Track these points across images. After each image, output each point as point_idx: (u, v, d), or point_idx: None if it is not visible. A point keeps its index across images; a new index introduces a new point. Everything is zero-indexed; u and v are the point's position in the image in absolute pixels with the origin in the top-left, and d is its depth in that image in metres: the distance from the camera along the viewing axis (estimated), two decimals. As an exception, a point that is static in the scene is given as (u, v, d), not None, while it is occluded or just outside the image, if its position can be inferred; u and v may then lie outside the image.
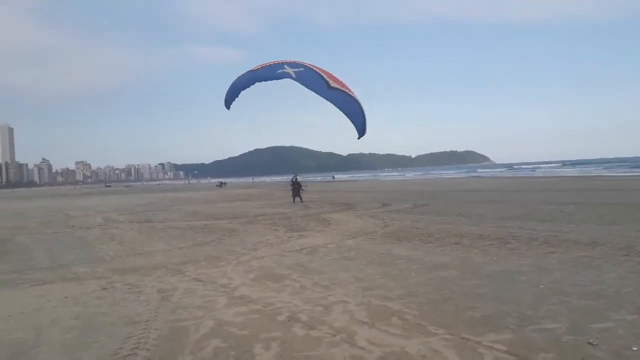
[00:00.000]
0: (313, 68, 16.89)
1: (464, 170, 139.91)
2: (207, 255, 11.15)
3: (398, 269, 8.72)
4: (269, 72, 17.18)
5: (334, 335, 5.32)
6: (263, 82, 17.54)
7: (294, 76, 16.61)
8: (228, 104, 18.31)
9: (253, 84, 17.61)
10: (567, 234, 11.88)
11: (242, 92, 17.90)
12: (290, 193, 29.83)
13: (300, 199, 28.81)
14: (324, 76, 16.69)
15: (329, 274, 8.58)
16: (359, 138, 17.22)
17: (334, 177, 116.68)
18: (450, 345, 4.85)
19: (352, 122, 16.93)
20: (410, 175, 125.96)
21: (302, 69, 16.86)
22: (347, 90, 16.89)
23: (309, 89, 16.58)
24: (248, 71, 17.79)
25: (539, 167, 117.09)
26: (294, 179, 29.84)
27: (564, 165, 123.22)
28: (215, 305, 6.83)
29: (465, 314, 5.90)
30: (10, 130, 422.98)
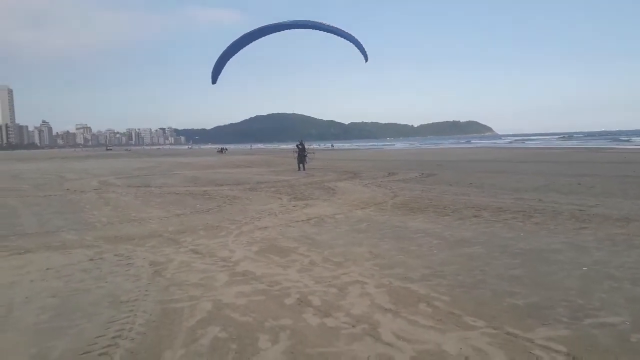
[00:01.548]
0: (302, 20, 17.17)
1: (468, 140, 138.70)
2: (207, 224, 10.30)
3: (416, 244, 7.87)
4: (256, 35, 16.82)
5: (353, 326, 4.49)
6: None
7: (288, 23, 16.58)
8: (214, 78, 17.76)
9: (247, 45, 17.08)
10: (594, 208, 11.00)
11: (235, 58, 17.49)
12: (297, 160, 28.01)
13: (304, 166, 27.56)
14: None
15: (340, 249, 7.73)
16: (366, 61, 18.20)
17: (332, 146, 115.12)
18: (496, 344, 4.00)
19: (356, 44, 17.10)
20: (414, 144, 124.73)
21: (291, 21, 17.03)
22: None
23: (306, 28, 16.53)
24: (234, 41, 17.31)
25: (543, 139, 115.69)
26: (299, 145, 28.16)
27: (567, 137, 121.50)
28: (214, 283, 6.00)
29: (505, 300, 5.05)
30: (10, 91, 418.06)
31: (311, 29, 16.54)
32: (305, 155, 27.70)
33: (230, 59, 17.47)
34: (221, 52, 17.42)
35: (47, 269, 6.96)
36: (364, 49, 17.24)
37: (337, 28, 16.76)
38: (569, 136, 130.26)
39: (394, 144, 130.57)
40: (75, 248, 8.33)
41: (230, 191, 17.03)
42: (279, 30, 16.36)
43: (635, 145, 61.98)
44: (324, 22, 16.81)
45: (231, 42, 17.12)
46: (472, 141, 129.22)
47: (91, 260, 7.41)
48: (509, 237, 8.25)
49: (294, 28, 16.53)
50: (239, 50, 17.10)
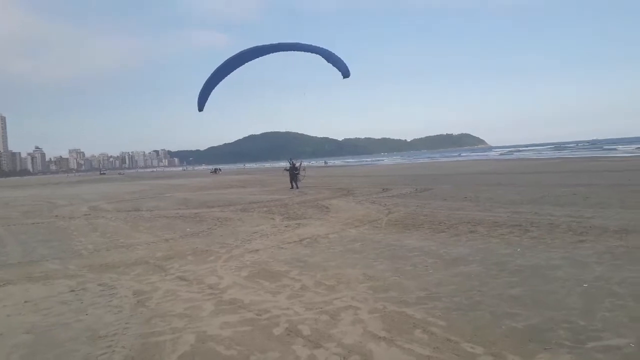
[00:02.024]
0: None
1: (460, 154, 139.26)
2: (195, 249, 10.00)
3: (411, 264, 7.61)
4: (238, 61, 16.92)
5: (344, 358, 4.21)
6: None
7: (266, 48, 16.66)
8: (201, 105, 17.65)
9: (230, 72, 17.18)
10: (590, 220, 10.81)
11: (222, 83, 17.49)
12: (289, 178, 28.08)
13: (296, 184, 27.51)
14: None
15: (333, 271, 7.47)
16: (344, 77, 17.29)
17: (326, 163, 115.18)
18: (497, 373, 3.75)
19: (334, 65, 16.95)
20: (407, 159, 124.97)
21: (278, 43, 17.01)
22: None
23: (286, 51, 16.55)
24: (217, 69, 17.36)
25: (535, 149, 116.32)
26: (290, 164, 28.24)
27: (558, 147, 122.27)
28: (199, 313, 5.71)
29: (504, 323, 4.80)
30: (3, 118, 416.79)
31: (289, 51, 16.65)
32: (297, 174, 27.76)
33: (217, 85, 17.47)
34: (206, 79, 17.38)
35: (25, 301, 6.65)
36: (343, 64, 17.20)
37: (310, 46, 16.84)
38: (561, 146, 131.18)
39: (384, 160, 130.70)
40: (57, 278, 8.02)
41: (221, 213, 16.74)
42: (257, 56, 16.50)
43: (624, 153, 62.41)
44: (300, 42, 16.91)
45: (214, 69, 17.14)
46: (466, 154, 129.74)
47: (72, 291, 7.09)
48: (506, 253, 8.01)
49: (271, 52, 16.63)
50: (223, 77, 17.12)
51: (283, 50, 16.50)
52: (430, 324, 4.90)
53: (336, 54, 17.68)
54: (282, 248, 9.66)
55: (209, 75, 17.38)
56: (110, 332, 5.16)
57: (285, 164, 31.30)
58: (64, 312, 6.08)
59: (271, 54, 16.38)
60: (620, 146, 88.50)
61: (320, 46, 17.19)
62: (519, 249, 8.24)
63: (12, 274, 8.57)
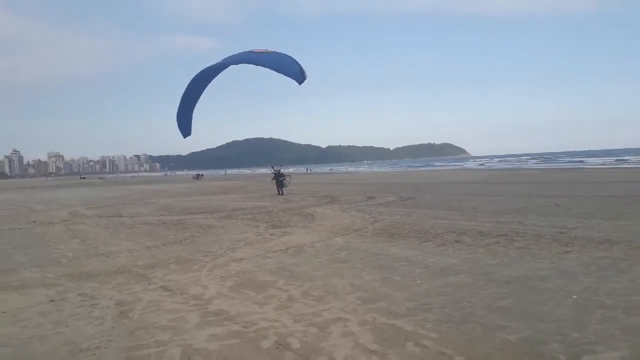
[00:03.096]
0: (241, 52, 16.99)
1: (441, 163, 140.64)
2: (178, 257, 9.80)
3: (400, 274, 7.55)
4: (207, 77, 16.88)
5: (336, 372, 4.11)
6: (237, 79, 17.20)
7: (223, 63, 16.60)
8: (186, 131, 17.18)
9: (200, 93, 17.11)
10: (574, 230, 10.91)
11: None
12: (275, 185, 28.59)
13: (282, 191, 27.77)
14: (250, 50, 16.54)
15: (321, 281, 7.36)
16: (300, 84, 17.02)
17: (308, 170, 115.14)
18: (493, 388, 3.68)
19: (286, 72, 16.52)
20: (391, 167, 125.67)
21: (229, 57, 16.60)
22: (271, 50, 16.37)
23: (239, 63, 16.44)
24: (187, 88, 17.15)
25: (515, 160, 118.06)
26: (275, 171, 28.77)
27: (538, 157, 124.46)
28: (184, 325, 5.54)
29: (496, 336, 4.74)
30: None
31: (241, 63, 16.60)
32: (282, 180, 28.24)
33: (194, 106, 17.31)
34: (178, 104, 17.08)
35: (2, 312, 6.39)
36: (295, 68, 16.64)
37: (256, 56, 16.66)
38: (543, 156, 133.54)
39: (366, 168, 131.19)
40: (35, 287, 7.75)
41: (204, 220, 16.51)
42: (213, 77, 16.53)
43: (603, 165, 63.82)
44: (254, 49, 16.70)
45: (182, 94, 16.95)
46: (448, 163, 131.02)
47: (52, 301, 6.85)
48: (494, 263, 8.00)
49: (222, 70, 16.58)
50: (195, 101, 16.93)
51: (235, 64, 16.35)
52: (422, 336, 4.82)
53: (291, 55, 17.17)
54: (267, 257, 9.52)
55: (182, 93, 17.15)
56: (92, 346, 4.97)
57: (267, 170, 32.06)
58: (43, 323, 5.86)
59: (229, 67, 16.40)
60: (591, 159, 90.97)
61: (284, 52, 16.82)
62: (506, 260, 8.24)
63: (-12, 282, 8.26)
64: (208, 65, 16.58)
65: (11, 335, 5.45)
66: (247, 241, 11.49)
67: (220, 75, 16.88)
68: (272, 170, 29.07)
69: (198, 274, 8.17)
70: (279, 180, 28.17)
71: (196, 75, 16.83)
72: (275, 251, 10.06)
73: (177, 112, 16.90)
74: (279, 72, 16.51)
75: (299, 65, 16.63)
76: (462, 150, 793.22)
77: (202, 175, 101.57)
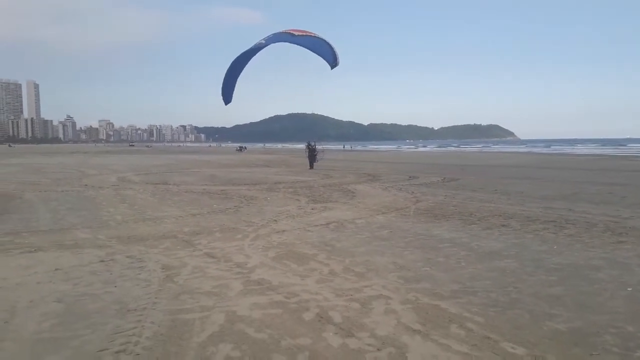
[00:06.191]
0: (281, 31, 18.11)
1: (489, 144, 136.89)
2: (223, 226, 9.98)
3: (443, 255, 7.41)
4: (250, 54, 18.45)
5: (379, 349, 4.07)
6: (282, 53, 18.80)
7: (265, 43, 17.87)
8: (227, 98, 18.47)
9: (243, 67, 18.63)
10: (629, 220, 10.39)
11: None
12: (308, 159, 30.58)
13: (313, 165, 29.66)
14: (288, 30, 18.01)
15: (362, 257, 7.32)
16: (332, 68, 18.11)
17: (345, 147, 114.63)
18: (541, 377, 3.56)
19: (321, 55, 17.60)
20: (434, 147, 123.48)
21: (271, 36, 18.14)
22: (311, 34, 17.94)
23: (278, 42, 17.89)
24: (232, 62, 18.53)
25: (567, 145, 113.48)
26: (309, 145, 30.52)
27: (589, 143, 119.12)
28: (228, 292, 5.64)
29: (545, 324, 4.58)
30: (36, 86, 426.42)
31: (280, 42, 17.94)
32: (315, 155, 30.24)
33: (238, 77, 18.60)
34: (224, 75, 18.37)
35: (56, 269, 6.68)
36: (331, 53, 17.60)
37: (296, 37, 17.58)
38: (591, 142, 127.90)
39: (408, 147, 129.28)
40: (87, 247, 8.07)
41: (247, 191, 16.73)
42: (255, 53, 18.01)
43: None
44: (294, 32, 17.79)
45: (230, 63, 18.24)
46: (494, 145, 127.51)
47: (102, 261, 7.12)
48: (542, 250, 7.73)
49: (264, 47, 17.94)
50: (239, 71, 18.15)
51: (276, 42, 17.59)
52: (466, 319, 4.72)
53: (329, 41, 18.00)
54: (308, 231, 9.55)
55: (228, 65, 18.38)
56: (140, 306, 5.13)
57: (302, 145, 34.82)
58: (94, 282, 6.09)
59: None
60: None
61: (317, 34, 17.86)
62: (555, 247, 7.95)
63: (43, 240, 8.67)
64: (252, 40, 18.01)
65: (65, 292, 5.70)
66: (288, 214, 11.56)
67: (266, 50, 17.92)
68: (308, 145, 30.81)
69: (241, 243, 8.30)
70: (312, 154, 30.09)
71: (241, 54, 17.94)
72: (317, 225, 10.08)
73: (223, 81, 17.78)
74: (314, 52, 17.46)
75: (334, 50, 17.67)
76: (510, 133, 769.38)
77: (245, 147, 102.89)
